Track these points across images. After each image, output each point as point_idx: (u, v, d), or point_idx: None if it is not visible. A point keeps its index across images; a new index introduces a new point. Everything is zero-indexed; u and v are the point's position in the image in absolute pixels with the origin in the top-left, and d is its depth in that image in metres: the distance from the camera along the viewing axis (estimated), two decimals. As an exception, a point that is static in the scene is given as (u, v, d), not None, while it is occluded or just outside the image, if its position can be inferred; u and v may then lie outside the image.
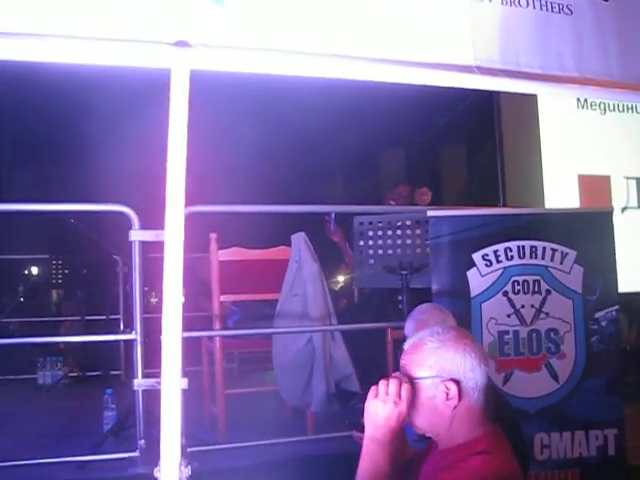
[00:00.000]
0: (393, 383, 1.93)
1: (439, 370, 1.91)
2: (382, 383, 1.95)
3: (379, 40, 2.32)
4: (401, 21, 2.37)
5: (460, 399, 1.90)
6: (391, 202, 5.62)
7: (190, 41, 2.10)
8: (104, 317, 6.77)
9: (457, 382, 1.90)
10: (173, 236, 2.04)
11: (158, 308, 2.06)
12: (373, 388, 1.97)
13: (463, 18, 2.46)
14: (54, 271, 6.82)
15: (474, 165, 7.75)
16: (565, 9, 2.63)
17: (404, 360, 2.01)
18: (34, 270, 8.62)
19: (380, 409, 1.93)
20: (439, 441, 2.00)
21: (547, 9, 2.60)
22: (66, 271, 6.77)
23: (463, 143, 7.79)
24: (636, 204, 6.40)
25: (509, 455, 1.94)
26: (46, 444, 4.09)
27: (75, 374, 6.56)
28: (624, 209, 6.32)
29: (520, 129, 6.42)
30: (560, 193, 6.23)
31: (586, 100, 6.17)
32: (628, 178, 6.37)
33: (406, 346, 2.04)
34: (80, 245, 6.37)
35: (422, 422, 1.97)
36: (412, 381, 1.94)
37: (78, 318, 6.87)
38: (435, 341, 1.95)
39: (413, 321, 3.05)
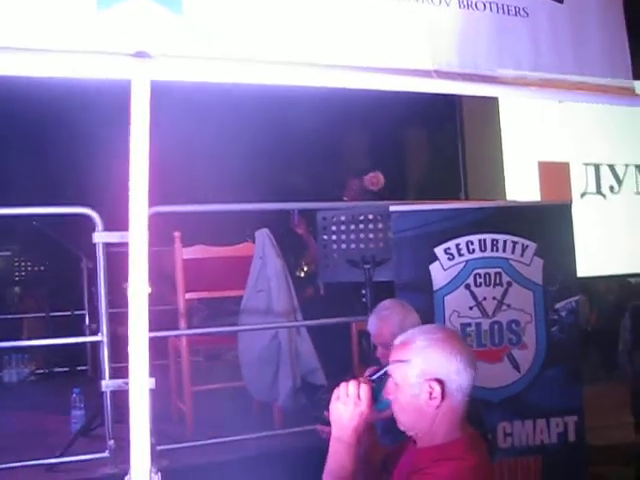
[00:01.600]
0: (352, 385, 2.00)
1: (424, 369, 1.95)
2: (342, 385, 2.02)
3: (337, 46, 2.34)
4: (359, 27, 2.38)
5: (443, 399, 1.94)
6: (345, 199, 5.58)
7: (150, 51, 2.10)
8: (69, 313, 6.73)
9: (441, 382, 1.94)
10: (137, 238, 2.05)
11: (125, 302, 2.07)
12: (335, 390, 2.03)
13: (421, 22, 2.48)
14: (17, 267, 6.78)
15: (435, 149, 7.81)
16: (521, 12, 2.67)
17: (392, 356, 2.05)
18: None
19: (342, 410, 2.00)
20: (419, 439, 2.04)
21: (504, 12, 2.64)
22: (29, 268, 6.74)
23: (424, 128, 7.82)
24: (594, 190, 6.54)
25: (482, 460, 1.98)
26: (13, 445, 4.07)
27: (41, 371, 6.54)
28: (583, 195, 6.46)
29: (480, 116, 6.50)
30: (520, 179, 6.34)
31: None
32: (587, 164, 6.52)
33: (396, 342, 2.08)
34: (43, 242, 6.33)
35: (406, 419, 2.02)
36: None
37: (43, 314, 6.85)
38: (424, 340, 2.00)
39: (375, 317, 3.09)
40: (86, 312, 6.47)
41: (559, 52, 2.72)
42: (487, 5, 2.61)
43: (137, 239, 2.05)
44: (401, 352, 2.02)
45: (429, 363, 1.95)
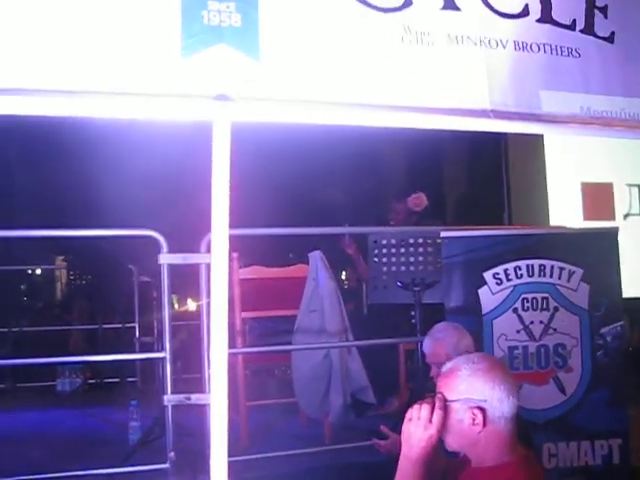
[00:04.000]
0: (425, 408, 2.10)
1: (468, 397, 2.09)
2: (416, 407, 2.12)
3: (402, 89, 2.50)
4: (422, 70, 2.54)
5: (485, 425, 2.07)
6: (391, 223, 5.66)
7: (230, 95, 2.28)
8: (120, 325, 6.95)
9: (483, 410, 2.07)
10: (219, 264, 2.22)
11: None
12: (409, 411, 2.15)
13: (480, 65, 2.63)
14: (72, 279, 7.03)
15: (479, 172, 7.88)
16: (574, 52, 2.80)
17: (440, 383, 2.19)
18: (51, 280, 8.84)
19: (412, 431, 2.11)
20: (472, 460, 2.17)
21: (557, 53, 2.77)
22: (83, 280, 6.97)
23: (469, 152, 7.91)
24: (638, 211, 6.53)
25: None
26: (74, 454, 4.22)
27: (92, 381, 6.74)
28: (626, 216, 6.46)
29: (525, 137, 6.53)
30: (563, 200, 6.36)
31: (589, 108, 6.29)
32: (630, 185, 6.51)
33: (443, 369, 2.22)
34: (95, 256, 6.55)
35: (451, 441, 2.15)
36: (445, 403, 2.11)
37: (95, 326, 7.08)
38: (468, 369, 2.13)
39: (431, 339, 3.23)
40: (136, 325, 6.68)
41: (609, 91, 2.85)
42: (541, 47, 2.75)
43: (219, 264, 2.23)
44: (447, 379, 2.16)
45: (472, 391, 2.09)
